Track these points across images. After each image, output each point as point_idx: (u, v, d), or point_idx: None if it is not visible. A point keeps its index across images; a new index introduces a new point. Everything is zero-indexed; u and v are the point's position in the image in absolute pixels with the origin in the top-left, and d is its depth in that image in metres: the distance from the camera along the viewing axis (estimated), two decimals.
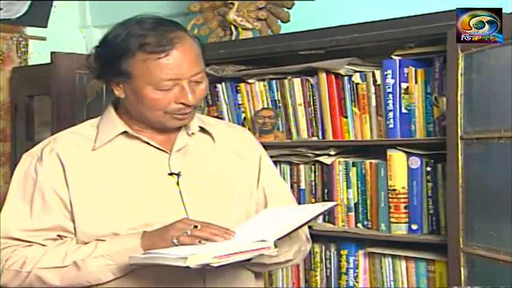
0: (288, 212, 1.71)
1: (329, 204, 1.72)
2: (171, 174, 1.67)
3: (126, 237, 1.59)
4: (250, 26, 2.74)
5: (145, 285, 1.61)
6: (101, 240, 1.60)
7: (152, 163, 1.68)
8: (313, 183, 2.52)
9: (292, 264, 2.12)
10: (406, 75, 2.30)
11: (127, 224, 1.61)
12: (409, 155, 2.29)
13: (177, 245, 1.52)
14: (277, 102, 2.60)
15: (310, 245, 1.85)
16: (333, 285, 2.48)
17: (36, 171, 1.67)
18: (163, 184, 1.66)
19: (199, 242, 1.51)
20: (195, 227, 1.53)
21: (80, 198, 1.64)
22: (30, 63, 3.34)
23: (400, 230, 2.31)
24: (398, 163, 2.30)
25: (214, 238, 1.51)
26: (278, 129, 2.59)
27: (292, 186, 2.56)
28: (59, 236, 1.64)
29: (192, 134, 1.74)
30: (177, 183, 1.67)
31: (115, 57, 1.61)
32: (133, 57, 1.60)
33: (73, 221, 1.64)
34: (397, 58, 2.30)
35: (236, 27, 2.76)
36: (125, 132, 1.69)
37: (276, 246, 1.48)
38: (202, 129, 1.76)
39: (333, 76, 2.45)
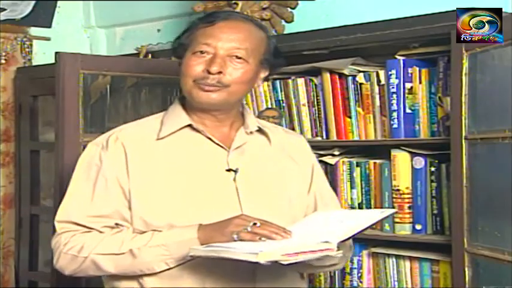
0: (342, 215, 1.72)
1: (388, 212, 1.72)
2: (228, 170, 1.71)
3: (183, 229, 1.62)
4: None
5: (195, 279, 1.63)
6: (157, 230, 1.63)
7: (211, 158, 1.73)
8: None
9: (335, 269, 2.20)
10: (410, 75, 2.29)
11: (183, 216, 1.65)
12: (413, 155, 2.29)
13: (236, 241, 1.55)
14: (281, 102, 2.60)
15: (352, 252, 1.90)
16: (337, 285, 2.48)
17: (101, 159, 1.71)
18: (221, 179, 1.71)
19: (259, 239, 1.54)
20: (254, 224, 1.56)
21: (139, 187, 1.68)
22: (34, 63, 3.34)
23: (404, 230, 2.30)
24: (403, 163, 2.30)
25: (274, 236, 1.54)
26: None
27: None
28: (116, 224, 1.68)
29: (251, 133, 1.78)
30: (234, 180, 1.71)
31: (181, 34, 1.76)
32: (191, 30, 1.73)
33: (130, 209, 1.68)
34: (401, 58, 2.30)
35: None
36: (188, 126, 1.74)
37: (338, 248, 1.51)
38: (259, 130, 1.80)
39: (336, 76, 2.45)
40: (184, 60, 1.72)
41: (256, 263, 1.42)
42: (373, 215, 1.68)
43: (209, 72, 1.66)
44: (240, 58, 1.69)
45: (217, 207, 1.66)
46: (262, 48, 1.74)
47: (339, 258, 1.63)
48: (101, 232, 1.68)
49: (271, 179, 1.76)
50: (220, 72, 1.67)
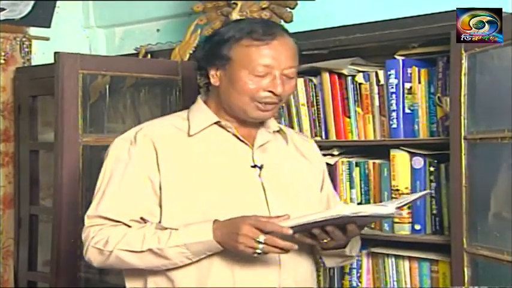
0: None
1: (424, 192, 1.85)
2: (253, 166, 1.77)
3: (199, 230, 1.65)
4: None
5: (221, 271, 1.69)
6: (174, 229, 1.67)
7: (237, 154, 1.79)
8: None
9: (350, 262, 2.27)
10: (409, 75, 2.30)
11: (213, 212, 1.68)
12: (412, 155, 2.29)
13: (259, 254, 1.61)
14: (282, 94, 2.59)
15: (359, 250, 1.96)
16: (336, 285, 2.48)
17: (130, 154, 1.76)
18: (247, 175, 1.77)
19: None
20: (261, 230, 1.59)
21: (170, 183, 1.72)
22: (33, 63, 3.34)
23: (403, 230, 2.31)
24: (402, 163, 2.30)
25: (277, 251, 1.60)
26: None
27: None
28: (142, 218, 1.72)
29: (273, 132, 1.85)
30: (259, 175, 1.77)
31: (220, 42, 1.75)
32: (237, 43, 1.73)
33: (160, 204, 1.72)
34: (400, 58, 2.30)
35: None
36: (216, 123, 1.79)
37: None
38: (278, 130, 1.88)
39: (336, 76, 2.45)
40: (236, 77, 1.73)
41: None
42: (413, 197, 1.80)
43: (273, 93, 1.73)
44: (292, 75, 1.77)
45: (246, 203, 1.72)
46: (298, 55, 1.82)
47: (356, 251, 1.87)
48: (128, 226, 1.72)
49: (291, 175, 1.83)
50: (282, 92, 1.75)
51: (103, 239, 1.71)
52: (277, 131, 1.87)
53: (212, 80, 1.78)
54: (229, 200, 1.72)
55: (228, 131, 1.80)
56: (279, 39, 1.74)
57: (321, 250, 1.79)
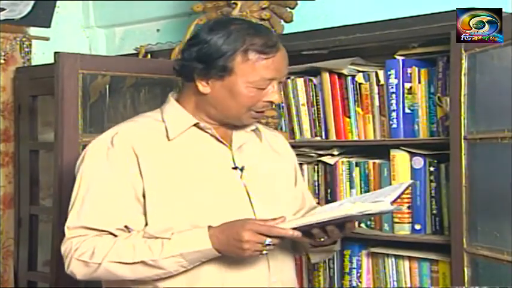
0: (358, 198, 1.80)
1: (405, 184, 1.77)
2: (234, 168, 1.75)
3: (195, 238, 1.62)
4: None
5: (212, 274, 1.67)
6: (165, 238, 1.62)
7: (218, 157, 1.76)
8: (316, 183, 2.52)
9: (332, 255, 2.32)
10: (409, 75, 2.29)
11: (200, 217, 1.66)
12: (412, 155, 2.29)
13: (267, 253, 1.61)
14: (281, 102, 2.59)
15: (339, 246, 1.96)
16: (336, 285, 2.48)
17: (109, 159, 1.69)
18: (230, 177, 1.74)
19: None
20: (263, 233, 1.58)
21: (154, 189, 1.68)
22: (33, 63, 3.34)
23: (403, 230, 2.31)
24: (402, 163, 2.30)
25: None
26: (281, 129, 2.59)
27: None
28: (125, 227, 1.67)
29: (249, 131, 1.83)
30: (241, 177, 1.74)
31: (216, 54, 1.67)
32: (238, 55, 1.67)
33: (144, 212, 1.68)
34: (400, 58, 2.30)
35: None
36: (194, 125, 1.75)
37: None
38: (253, 129, 1.85)
39: (336, 76, 2.45)
40: (237, 88, 1.68)
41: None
42: (394, 187, 1.75)
43: (272, 102, 1.74)
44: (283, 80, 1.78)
45: (231, 207, 1.70)
46: None
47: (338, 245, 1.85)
48: (113, 235, 1.66)
49: (270, 175, 1.82)
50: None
51: (88, 251, 1.65)
52: (253, 130, 1.85)
53: (201, 88, 1.71)
54: (215, 205, 1.69)
55: (207, 132, 1.76)
56: (281, 49, 1.72)
57: (310, 248, 1.79)
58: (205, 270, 1.66)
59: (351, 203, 1.61)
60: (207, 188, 1.70)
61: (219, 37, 1.68)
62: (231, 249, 1.60)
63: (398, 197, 1.65)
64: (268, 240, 1.58)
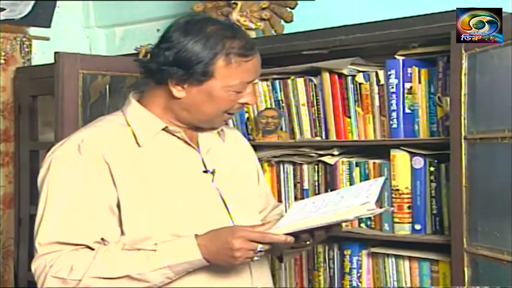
0: (333, 195, 1.73)
1: (380, 180, 1.72)
2: (205, 171, 1.71)
3: (182, 249, 1.57)
4: (253, 26, 2.74)
5: (197, 282, 1.63)
6: (150, 250, 1.57)
7: (188, 161, 1.72)
8: (316, 183, 2.52)
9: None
10: (409, 75, 2.29)
11: (177, 225, 1.62)
12: (412, 155, 2.29)
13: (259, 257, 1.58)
14: (281, 102, 2.60)
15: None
16: (336, 285, 2.48)
17: (78, 169, 1.61)
18: (202, 182, 1.70)
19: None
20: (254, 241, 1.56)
21: (129, 199, 1.61)
22: (33, 63, 3.34)
23: (403, 230, 2.30)
24: (402, 163, 2.30)
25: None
26: (281, 129, 2.59)
27: (295, 186, 2.57)
28: (102, 239, 1.60)
29: (215, 132, 1.80)
30: (212, 181, 1.71)
31: (196, 60, 1.61)
32: (219, 60, 1.62)
33: (120, 220, 1.61)
34: (400, 58, 2.30)
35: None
36: (163, 129, 1.71)
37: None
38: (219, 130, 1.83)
39: (336, 76, 2.45)
40: (215, 92, 1.64)
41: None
42: (368, 183, 1.71)
43: (247, 104, 1.72)
44: None
45: (208, 212, 1.67)
46: None
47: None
48: (90, 248, 1.59)
49: (238, 176, 1.79)
50: None
51: (66, 267, 1.55)
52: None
53: (176, 93, 1.65)
54: (192, 211, 1.65)
55: (175, 136, 1.71)
56: (257, 51, 1.68)
57: (289, 249, 1.76)
58: (189, 281, 1.61)
59: (346, 207, 1.56)
60: (181, 194, 1.66)
61: (197, 41, 1.62)
62: (221, 258, 1.56)
63: (379, 196, 1.61)
64: (260, 247, 1.54)
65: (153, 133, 1.68)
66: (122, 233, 1.62)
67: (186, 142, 1.71)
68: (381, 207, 1.61)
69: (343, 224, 2.42)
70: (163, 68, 1.64)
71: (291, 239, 1.56)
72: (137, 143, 1.66)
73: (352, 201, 1.59)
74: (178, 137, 1.71)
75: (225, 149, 1.81)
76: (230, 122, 2.70)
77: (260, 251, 1.55)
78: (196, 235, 1.59)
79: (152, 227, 1.61)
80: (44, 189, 1.64)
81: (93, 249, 1.59)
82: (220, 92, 1.65)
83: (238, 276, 1.67)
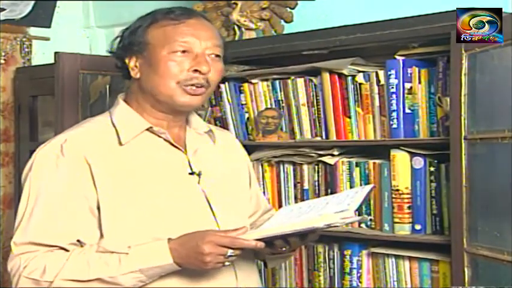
0: (319, 201, 1.71)
1: (367, 188, 1.69)
2: (191, 173, 1.69)
3: (154, 253, 1.55)
4: (253, 26, 2.74)
5: (181, 283, 1.61)
6: (123, 253, 1.56)
7: (173, 162, 1.69)
8: (316, 183, 2.52)
9: (288, 260, 2.25)
10: (409, 75, 2.29)
11: (160, 228, 1.59)
12: (412, 155, 2.29)
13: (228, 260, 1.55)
14: (281, 102, 2.60)
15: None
16: (336, 286, 2.47)
17: (58, 169, 1.60)
18: (187, 184, 1.68)
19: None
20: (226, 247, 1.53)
21: (109, 200, 1.59)
22: (33, 63, 3.34)
23: (403, 230, 2.30)
24: (402, 163, 2.30)
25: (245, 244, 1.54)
26: (281, 129, 2.59)
27: (295, 187, 2.56)
28: (78, 241, 1.59)
29: (203, 133, 1.78)
30: (198, 183, 1.69)
31: (134, 30, 1.68)
32: (153, 25, 1.66)
33: (100, 224, 1.59)
34: (400, 58, 2.30)
35: (239, 28, 2.76)
36: (147, 129, 1.68)
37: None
38: (207, 131, 1.80)
39: (336, 76, 2.45)
40: (156, 59, 1.63)
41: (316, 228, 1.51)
42: (355, 190, 1.68)
43: (199, 72, 1.63)
44: (218, 56, 1.68)
45: (192, 216, 1.64)
46: (223, 45, 1.73)
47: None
48: (65, 250, 1.57)
49: (227, 179, 1.77)
50: (208, 71, 1.64)
51: (39, 268, 1.54)
52: (206, 132, 1.79)
53: (133, 73, 1.67)
54: (175, 214, 1.63)
55: (160, 137, 1.69)
56: (197, 18, 1.67)
57: (270, 255, 1.74)
58: (172, 282, 1.59)
59: (317, 214, 1.54)
60: (165, 197, 1.63)
61: (138, 20, 1.72)
62: (192, 262, 1.54)
63: (362, 203, 1.59)
64: (230, 252, 1.52)
65: (136, 132, 1.66)
66: (102, 235, 1.59)
67: (171, 143, 1.69)
68: (359, 215, 1.57)
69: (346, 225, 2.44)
70: (117, 53, 1.73)
71: (261, 244, 1.53)
72: (120, 143, 1.65)
73: (333, 208, 1.56)
74: (164, 138, 1.69)
75: (214, 151, 1.79)
76: (230, 122, 2.71)
77: (230, 256, 1.53)
78: (169, 239, 1.56)
79: (133, 231, 1.59)
80: (25, 189, 1.63)
81: (68, 250, 1.57)
82: (159, 56, 1.63)
83: (222, 277, 1.64)
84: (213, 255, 1.52)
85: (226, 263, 1.55)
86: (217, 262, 1.53)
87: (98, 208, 1.59)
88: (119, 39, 1.73)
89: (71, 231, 1.58)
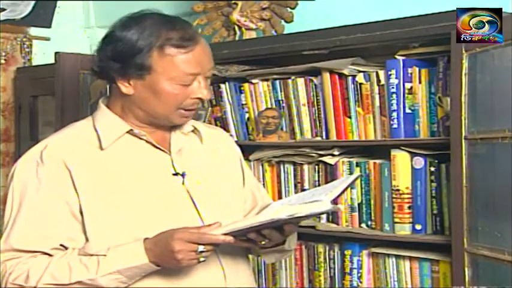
0: (307, 193, 1.71)
1: (354, 175, 1.68)
2: (175, 174, 1.67)
3: (130, 253, 1.55)
4: (253, 26, 2.74)
5: (167, 283, 1.60)
6: (101, 255, 1.56)
7: (156, 164, 1.68)
8: (317, 183, 2.52)
9: (289, 255, 2.19)
10: (409, 75, 2.29)
11: (144, 231, 1.58)
12: (413, 155, 2.29)
13: (201, 260, 1.54)
14: (281, 102, 2.60)
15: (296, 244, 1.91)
16: (336, 285, 2.47)
17: (39, 176, 1.61)
18: (171, 185, 1.66)
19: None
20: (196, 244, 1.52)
21: (92, 205, 1.59)
22: (34, 63, 3.34)
23: (404, 230, 2.30)
24: (402, 163, 2.30)
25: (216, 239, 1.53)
26: (282, 129, 2.59)
27: (295, 187, 2.56)
28: (61, 245, 1.60)
29: (187, 133, 1.75)
30: (183, 183, 1.67)
31: (132, 52, 1.59)
32: (155, 52, 1.59)
33: (84, 229, 1.59)
34: (400, 58, 2.30)
35: (240, 28, 2.76)
36: (128, 132, 1.67)
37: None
38: (192, 130, 1.78)
39: (336, 76, 2.45)
40: (159, 87, 1.60)
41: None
42: (341, 181, 1.67)
43: (200, 99, 1.65)
44: (210, 75, 1.68)
45: (177, 217, 1.62)
46: None
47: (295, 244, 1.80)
48: (49, 255, 1.58)
49: (214, 178, 1.75)
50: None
51: (23, 274, 1.56)
52: (191, 131, 1.77)
53: (124, 89, 1.62)
54: (159, 217, 1.61)
55: (142, 139, 1.67)
56: (200, 42, 1.63)
57: (259, 249, 1.72)
58: (151, 283, 1.59)
59: (279, 205, 1.55)
60: (148, 198, 1.62)
61: (133, 33, 1.60)
62: (166, 260, 1.53)
63: (342, 192, 1.58)
64: (201, 248, 1.51)
65: (117, 136, 1.66)
66: (87, 239, 1.60)
67: (153, 145, 1.68)
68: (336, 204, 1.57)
69: (345, 224, 2.44)
70: (103, 64, 1.63)
71: (230, 239, 1.52)
72: (100, 147, 1.64)
73: (315, 198, 1.56)
74: (145, 140, 1.68)
75: (202, 151, 1.77)
76: (230, 122, 2.71)
77: (202, 251, 1.52)
78: (145, 239, 1.56)
79: (117, 235, 1.58)
80: (9, 197, 1.64)
81: (51, 255, 1.58)
82: (163, 85, 1.60)
83: (210, 277, 1.63)
84: (184, 252, 1.51)
85: (201, 259, 1.53)
86: (190, 259, 1.52)
87: (81, 212, 1.60)
88: (107, 47, 1.63)
89: (53, 237, 1.59)
